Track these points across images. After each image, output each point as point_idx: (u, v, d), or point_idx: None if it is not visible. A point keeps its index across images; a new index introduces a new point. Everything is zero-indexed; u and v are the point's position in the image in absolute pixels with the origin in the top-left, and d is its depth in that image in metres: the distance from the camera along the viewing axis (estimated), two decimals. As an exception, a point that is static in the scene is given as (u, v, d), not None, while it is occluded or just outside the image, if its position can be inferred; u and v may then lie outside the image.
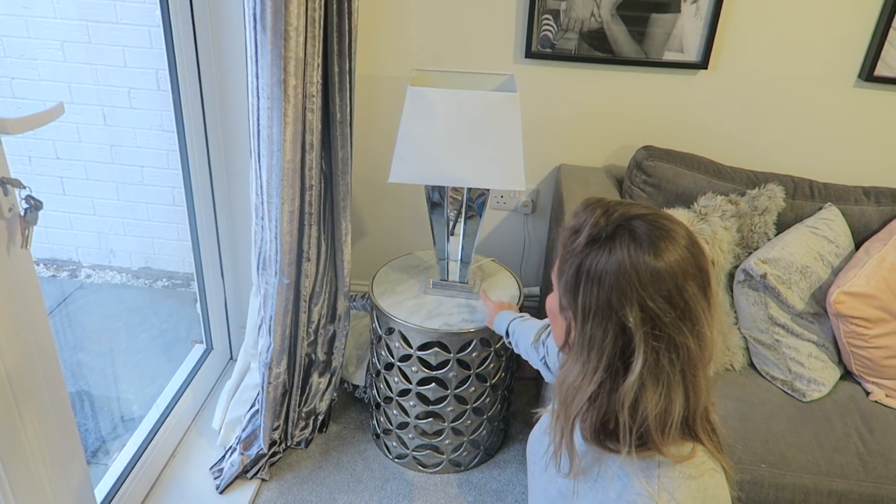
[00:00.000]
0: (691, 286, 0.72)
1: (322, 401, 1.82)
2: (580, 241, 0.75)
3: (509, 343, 1.44)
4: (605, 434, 0.76)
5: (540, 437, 0.95)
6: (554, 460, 0.82)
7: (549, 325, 1.25)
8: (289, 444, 1.81)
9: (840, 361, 1.62)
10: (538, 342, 1.26)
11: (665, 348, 0.72)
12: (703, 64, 1.81)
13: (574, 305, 0.75)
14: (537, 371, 1.30)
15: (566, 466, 0.81)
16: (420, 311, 1.65)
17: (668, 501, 0.72)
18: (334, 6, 1.41)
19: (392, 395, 1.71)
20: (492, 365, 1.66)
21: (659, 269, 0.71)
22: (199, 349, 2.03)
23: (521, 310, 1.59)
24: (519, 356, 1.79)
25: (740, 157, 1.91)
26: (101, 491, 1.52)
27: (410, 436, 1.75)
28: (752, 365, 1.65)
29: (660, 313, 0.71)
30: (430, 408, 1.68)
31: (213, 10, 1.60)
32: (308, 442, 1.84)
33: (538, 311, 1.93)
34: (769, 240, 1.69)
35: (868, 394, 1.57)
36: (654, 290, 0.71)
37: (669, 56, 1.82)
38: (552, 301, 0.82)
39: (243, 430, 1.75)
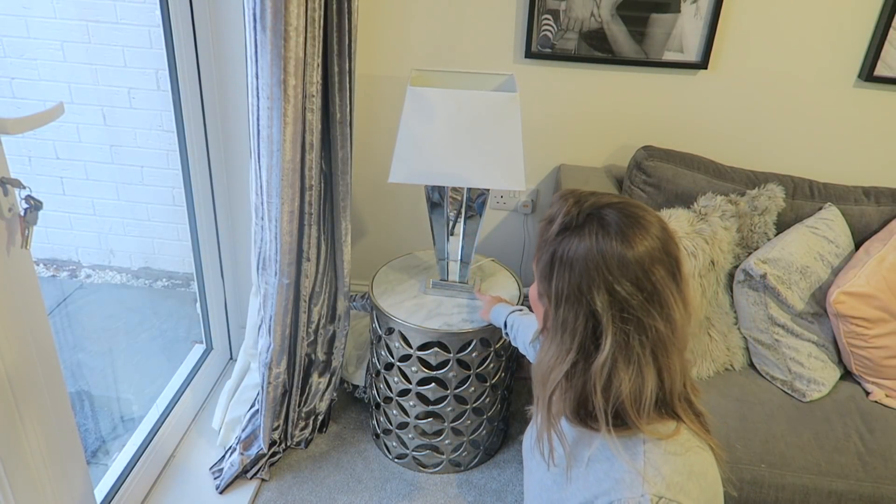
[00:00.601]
0: (659, 270, 0.75)
1: (322, 401, 1.82)
2: (553, 230, 0.79)
3: (506, 334, 1.45)
4: (585, 412, 0.80)
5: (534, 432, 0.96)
6: (538, 446, 0.85)
7: None
8: (289, 444, 1.81)
9: (840, 361, 1.62)
10: (535, 341, 1.27)
11: (634, 330, 0.75)
12: (702, 64, 1.81)
13: (549, 290, 0.79)
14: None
15: (547, 450, 0.84)
16: (420, 311, 1.65)
17: (654, 476, 0.74)
18: (334, 6, 1.41)
19: (392, 395, 1.71)
20: (492, 365, 1.66)
21: (625, 254, 0.74)
22: (199, 349, 2.03)
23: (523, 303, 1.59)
24: (518, 356, 1.79)
25: (740, 157, 1.91)
26: (101, 491, 1.52)
27: (410, 436, 1.75)
28: (752, 365, 1.65)
29: (627, 297, 0.74)
30: (430, 408, 1.68)
31: (213, 10, 1.60)
32: (308, 442, 1.84)
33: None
34: (769, 240, 1.69)
35: (868, 394, 1.57)
36: (621, 275, 0.74)
37: (669, 56, 1.82)
38: (533, 289, 0.86)
39: (243, 430, 1.75)
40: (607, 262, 0.74)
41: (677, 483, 0.74)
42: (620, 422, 0.77)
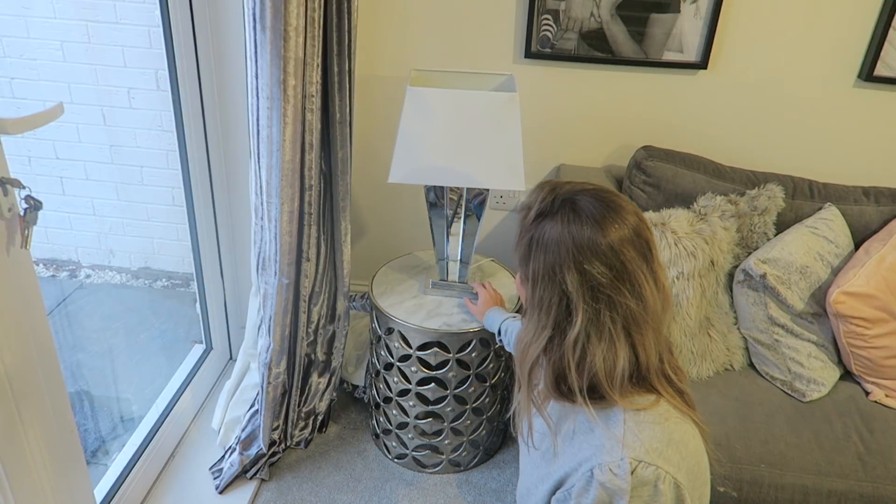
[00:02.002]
0: (629, 251, 0.79)
1: (321, 401, 1.82)
2: (530, 217, 0.85)
3: (500, 341, 1.46)
4: (565, 387, 0.83)
5: None
6: (518, 425, 0.90)
7: None
8: (288, 444, 1.81)
9: (840, 361, 1.62)
10: None
11: (605, 307, 0.79)
12: (702, 64, 1.81)
13: (527, 273, 0.85)
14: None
15: (526, 429, 0.89)
16: (420, 311, 1.65)
17: (633, 442, 0.77)
18: (334, 6, 1.41)
19: (391, 395, 1.71)
20: (491, 365, 1.66)
21: (595, 235, 0.79)
22: (198, 349, 2.03)
23: (519, 310, 1.59)
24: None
25: (740, 157, 1.91)
26: (100, 491, 1.52)
27: (410, 436, 1.75)
28: (751, 365, 1.65)
29: (598, 276, 0.79)
30: (430, 408, 1.68)
31: (213, 10, 1.60)
32: (307, 442, 1.84)
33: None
34: (769, 240, 1.69)
35: (868, 394, 1.57)
36: (591, 255, 0.79)
37: (669, 56, 1.82)
38: (519, 276, 0.91)
39: (243, 430, 1.75)
40: (577, 243, 0.79)
41: (656, 449, 0.77)
42: (597, 395, 0.81)
